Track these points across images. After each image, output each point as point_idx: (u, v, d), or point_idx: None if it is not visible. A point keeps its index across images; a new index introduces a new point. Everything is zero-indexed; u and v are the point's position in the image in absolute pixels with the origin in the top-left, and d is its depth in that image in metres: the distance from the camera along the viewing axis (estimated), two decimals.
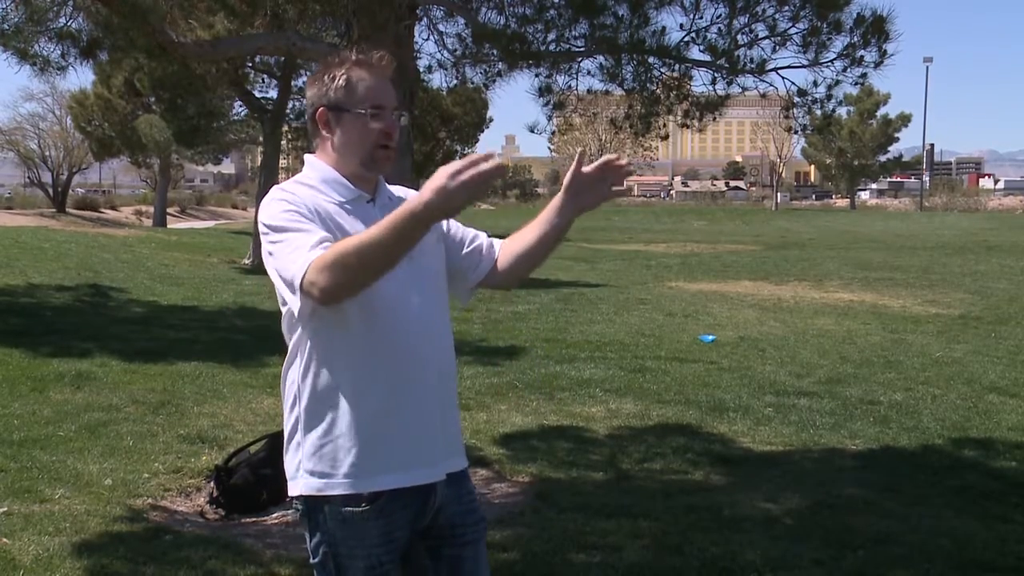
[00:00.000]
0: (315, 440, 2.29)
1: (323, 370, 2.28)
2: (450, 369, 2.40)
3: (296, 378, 2.34)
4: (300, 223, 2.17)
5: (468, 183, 1.90)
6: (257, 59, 19.24)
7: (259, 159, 32.27)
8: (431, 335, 2.31)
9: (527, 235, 2.47)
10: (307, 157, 2.39)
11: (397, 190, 2.47)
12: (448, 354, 2.38)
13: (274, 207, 2.23)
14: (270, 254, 2.19)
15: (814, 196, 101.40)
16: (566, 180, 2.39)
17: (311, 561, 2.33)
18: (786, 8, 5.58)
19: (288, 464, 2.36)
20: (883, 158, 70.07)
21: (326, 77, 2.30)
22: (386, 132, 2.28)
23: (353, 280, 2.06)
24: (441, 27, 6.11)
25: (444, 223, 2.43)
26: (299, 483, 2.31)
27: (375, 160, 2.30)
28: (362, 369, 2.24)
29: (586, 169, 2.36)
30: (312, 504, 2.29)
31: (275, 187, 2.33)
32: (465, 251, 2.47)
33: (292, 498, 2.36)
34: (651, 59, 5.94)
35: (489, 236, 2.54)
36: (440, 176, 1.90)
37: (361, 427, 2.25)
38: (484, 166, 1.90)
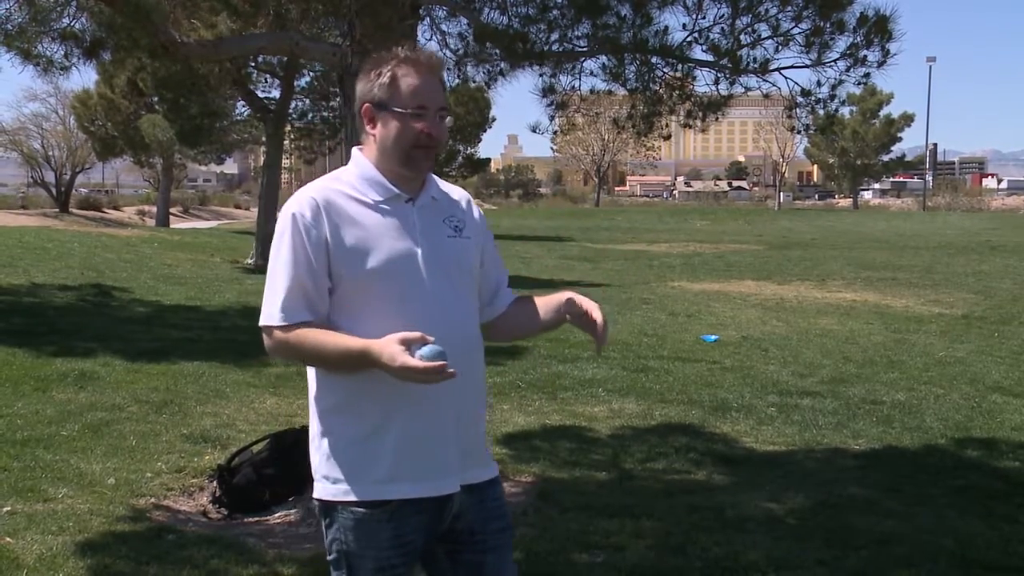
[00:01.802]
0: (329, 446, 2.30)
1: (340, 377, 2.27)
2: (473, 379, 2.34)
3: (316, 380, 2.34)
4: (291, 264, 2.23)
5: (407, 377, 2.11)
6: (260, 59, 19.23)
7: (262, 159, 32.25)
8: (454, 344, 2.21)
9: (525, 309, 2.51)
10: (354, 151, 2.39)
11: (448, 189, 2.43)
12: (472, 363, 2.32)
13: (284, 228, 2.25)
14: (268, 272, 2.30)
15: (817, 196, 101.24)
16: (574, 308, 2.45)
17: (328, 557, 2.35)
18: (789, 8, 5.56)
19: (312, 463, 2.37)
20: (886, 158, 69.95)
21: (373, 73, 2.29)
22: (427, 132, 2.26)
23: (298, 361, 2.37)
24: (444, 27, 6.10)
25: (482, 240, 2.43)
26: (317, 486, 2.33)
27: (413, 160, 2.28)
28: (375, 378, 2.21)
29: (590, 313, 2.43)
30: (328, 505, 2.31)
31: (303, 192, 2.30)
32: (481, 284, 2.46)
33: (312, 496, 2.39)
34: (654, 59, 5.93)
35: (508, 285, 2.54)
36: (396, 356, 2.09)
37: (372, 437, 2.25)
38: (418, 371, 2.09)
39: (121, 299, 13.67)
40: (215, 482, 5.36)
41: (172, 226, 36.64)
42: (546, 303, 2.47)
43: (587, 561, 4.40)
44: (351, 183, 2.31)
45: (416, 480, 2.25)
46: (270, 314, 2.24)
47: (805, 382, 8.84)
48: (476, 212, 2.45)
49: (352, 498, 2.26)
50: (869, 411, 7.71)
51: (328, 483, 2.30)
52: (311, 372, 2.34)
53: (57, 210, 39.38)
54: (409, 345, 2.10)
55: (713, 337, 11.35)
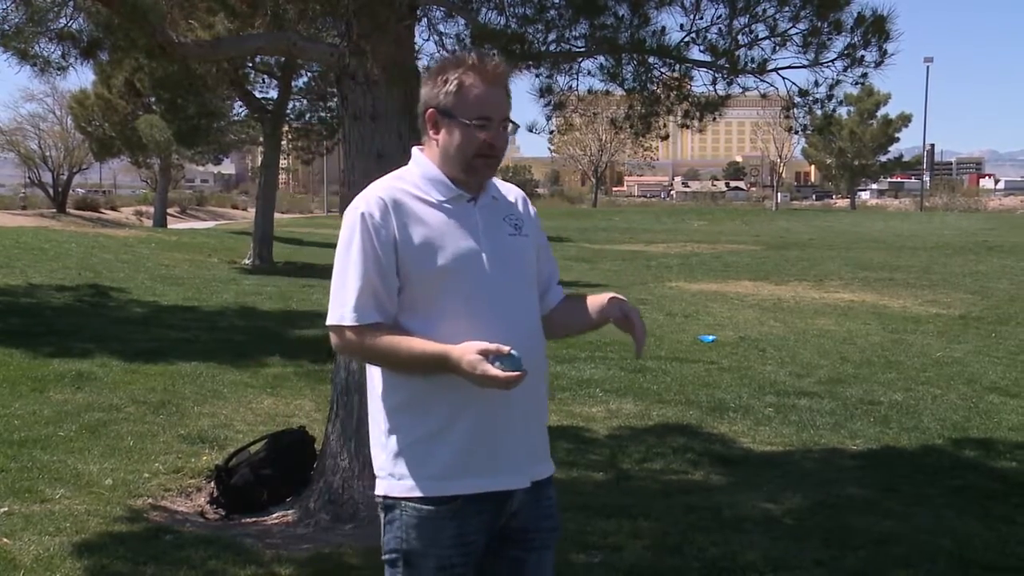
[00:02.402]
0: (395, 443, 2.31)
1: (407, 376, 2.29)
2: (538, 375, 2.37)
3: (382, 379, 2.34)
4: (361, 263, 2.24)
5: (487, 384, 2.15)
6: (257, 59, 19.21)
7: (259, 159, 32.23)
8: (519, 341, 2.25)
9: (574, 306, 2.51)
10: (414, 151, 2.41)
11: (505, 189, 2.46)
12: (536, 359, 2.35)
13: (353, 228, 2.27)
14: (334, 270, 2.31)
15: (814, 196, 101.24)
16: (616, 311, 2.43)
17: (383, 557, 2.34)
18: (786, 8, 5.55)
19: (374, 460, 2.38)
20: (883, 158, 69.90)
21: (439, 78, 2.30)
22: (489, 143, 2.29)
23: (364, 361, 2.37)
24: (441, 27, 6.08)
25: (537, 238, 2.46)
26: (382, 483, 2.34)
27: (475, 168, 2.31)
28: (443, 376, 2.24)
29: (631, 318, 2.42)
30: (390, 502, 2.31)
31: (370, 192, 2.31)
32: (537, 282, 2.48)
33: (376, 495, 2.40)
34: (651, 59, 5.92)
35: (558, 284, 2.55)
36: (476, 365, 2.13)
37: (439, 435, 2.27)
38: (500, 380, 2.13)
39: (118, 299, 13.66)
40: (212, 483, 5.36)
41: (169, 226, 36.58)
42: (592, 302, 2.49)
43: (585, 561, 4.40)
44: (415, 183, 2.34)
45: (483, 475, 2.27)
46: (341, 314, 2.26)
47: (802, 382, 8.85)
48: (531, 210, 2.50)
49: (418, 494, 2.26)
50: (866, 411, 7.72)
51: (393, 480, 2.30)
52: (374, 371, 2.36)
53: (54, 210, 39.31)
54: (487, 355, 2.14)
55: (710, 337, 11.35)
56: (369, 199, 2.29)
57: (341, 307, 2.26)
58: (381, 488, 2.33)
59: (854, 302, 15.44)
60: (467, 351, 2.14)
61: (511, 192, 2.47)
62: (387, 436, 2.32)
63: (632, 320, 2.40)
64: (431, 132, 2.34)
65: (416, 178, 2.34)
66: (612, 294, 2.46)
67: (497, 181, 2.45)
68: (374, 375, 2.36)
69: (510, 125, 2.34)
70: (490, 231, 2.33)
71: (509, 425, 2.29)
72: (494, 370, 2.12)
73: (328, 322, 2.29)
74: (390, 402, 2.32)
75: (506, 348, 2.14)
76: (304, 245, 29.33)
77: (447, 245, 2.27)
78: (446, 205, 2.31)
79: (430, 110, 2.32)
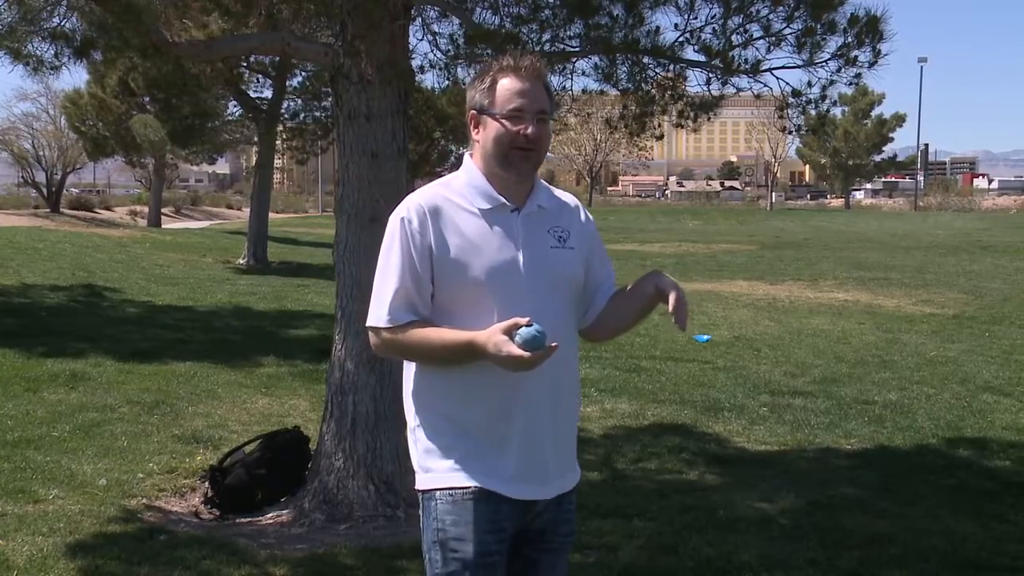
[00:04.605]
0: (427, 439, 2.36)
1: (438, 374, 2.34)
2: (568, 385, 2.42)
3: (415, 379, 2.40)
4: (398, 268, 2.30)
5: (509, 365, 2.17)
6: (252, 59, 19.17)
7: (254, 159, 32.16)
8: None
9: (615, 301, 2.50)
10: (465, 158, 2.46)
11: (557, 197, 2.47)
12: (567, 369, 2.39)
13: (393, 233, 2.33)
14: (376, 274, 2.37)
15: (809, 196, 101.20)
16: (650, 288, 2.42)
17: (424, 558, 2.36)
18: (780, 8, 5.56)
19: (411, 455, 2.42)
20: (878, 158, 70.13)
21: (478, 81, 2.38)
22: (524, 135, 2.31)
23: (404, 358, 2.39)
24: (435, 27, 6.08)
25: (587, 249, 2.46)
26: (416, 478, 2.39)
27: (510, 161, 2.34)
28: (473, 378, 2.28)
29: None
30: (426, 495, 2.36)
31: (412, 198, 2.36)
32: (584, 288, 2.49)
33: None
34: (646, 59, 5.92)
35: (612, 283, 2.54)
36: (502, 346, 2.15)
37: (468, 436, 2.31)
38: (523, 361, 2.14)
39: (112, 299, 13.64)
40: (207, 483, 5.35)
41: (164, 226, 36.48)
42: (635, 288, 2.47)
43: (579, 561, 4.40)
44: (459, 191, 2.37)
45: (514, 481, 2.31)
46: (378, 316, 2.33)
47: (797, 382, 8.86)
48: (583, 217, 2.50)
49: (449, 483, 2.31)
50: (861, 411, 7.73)
51: (423, 473, 2.36)
52: (409, 369, 2.41)
53: (48, 210, 39.19)
54: (510, 333, 2.16)
55: (705, 337, 11.36)
56: (410, 206, 2.34)
57: (378, 310, 2.33)
58: (417, 483, 2.39)
59: (848, 302, 15.46)
60: (492, 334, 2.17)
61: (564, 201, 2.49)
62: (419, 432, 2.37)
63: (668, 296, 2.37)
64: (474, 134, 2.40)
65: (461, 185, 2.38)
66: (654, 273, 2.45)
67: (552, 189, 2.48)
68: (408, 375, 2.41)
69: (547, 121, 2.36)
70: (530, 242, 2.35)
71: (540, 436, 2.33)
72: (518, 351, 2.14)
73: (367, 324, 2.36)
74: (420, 401, 2.38)
75: (523, 320, 2.16)
76: (299, 245, 29.29)
77: (483, 254, 2.30)
78: (488, 215, 2.34)
79: (471, 112, 2.38)
